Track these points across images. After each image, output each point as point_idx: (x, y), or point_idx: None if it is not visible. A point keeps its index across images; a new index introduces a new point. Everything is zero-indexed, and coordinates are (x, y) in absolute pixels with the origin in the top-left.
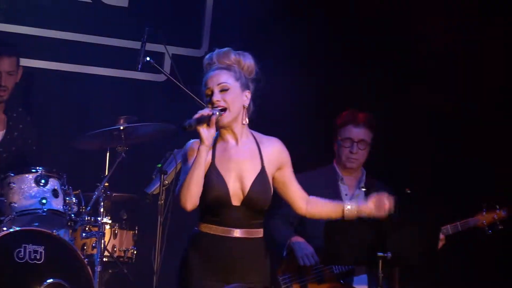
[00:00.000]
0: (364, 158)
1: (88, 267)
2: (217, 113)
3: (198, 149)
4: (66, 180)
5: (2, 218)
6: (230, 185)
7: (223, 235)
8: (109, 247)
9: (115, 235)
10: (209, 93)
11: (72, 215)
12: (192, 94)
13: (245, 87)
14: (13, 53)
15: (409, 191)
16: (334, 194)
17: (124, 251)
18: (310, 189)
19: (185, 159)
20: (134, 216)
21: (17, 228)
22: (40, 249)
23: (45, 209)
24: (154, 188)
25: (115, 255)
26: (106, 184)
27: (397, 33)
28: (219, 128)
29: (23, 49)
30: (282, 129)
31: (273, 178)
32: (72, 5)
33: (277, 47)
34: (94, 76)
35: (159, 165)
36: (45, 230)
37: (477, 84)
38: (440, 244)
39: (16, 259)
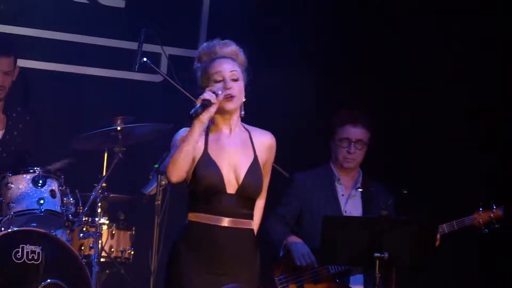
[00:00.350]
0: (361, 158)
1: (86, 268)
2: (219, 92)
3: (193, 123)
4: (64, 180)
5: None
6: (224, 173)
7: (212, 223)
8: (106, 248)
9: (112, 236)
10: (220, 79)
11: (70, 215)
12: (188, 94)
13: (245, 79)
14: (10, 53)
15: (405, 192)
16: (330, 194)
17: (122, 252)
18: (307, 189)
19: (174, 144)
20: (132, 216)
21: (15, 229)
22: (38, 249)
23: (42, 210)
24: (151, 189)
25: (113, 255)
26: (104, 184)
27: (397, 33)
28: (216, 115)
29: (19, 50)
30: (279, 128)
31: None
32: (68, 5)
33: (274, 48)
34: (91, 77)
35: (156, 166)
36: (42, 230)
37: (477, 84)
38: (436, 243)
39: (14, 260)
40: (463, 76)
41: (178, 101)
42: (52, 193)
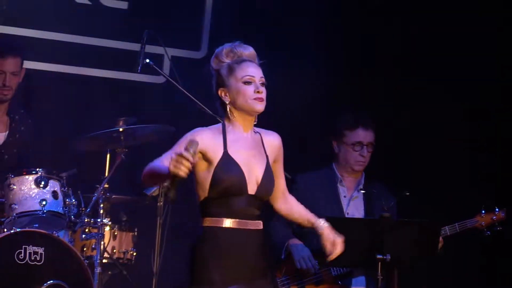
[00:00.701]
0: (369, 160)
1: (88, 269)
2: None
3: (173, 166)
4: (66, 181)
5: (2, 220)
6: (245, 173)
7: (239, 227)
8: (108, 249)
9: (114, 237)
10: (249, 81)
11: (72, 216)
12: (191, 96)
13: None
14: (17, 54)
15: (408, 193)
16: (332, 196)
17: (124, 253)
18: (309, 191)
19: (180, 143)
20: (134, 217)
21: (17, 230)
22: (40, 250)
23: (45, 211)
24: (154, 190)
25: (115, 256)
26: (106, 185)
27: (397, 33)
28: (237, 117)
29: (23, 51)
30: (279, 128)
31: None
32: (71, 7)
33: (277, 50)
34: (93, 78)
35: None
36: (45, 231)
37: (477, 84)
38: (439, 245)
39: (17, 260)
40: (463, 76)
41: (181, 103)
42: (55, 194)
